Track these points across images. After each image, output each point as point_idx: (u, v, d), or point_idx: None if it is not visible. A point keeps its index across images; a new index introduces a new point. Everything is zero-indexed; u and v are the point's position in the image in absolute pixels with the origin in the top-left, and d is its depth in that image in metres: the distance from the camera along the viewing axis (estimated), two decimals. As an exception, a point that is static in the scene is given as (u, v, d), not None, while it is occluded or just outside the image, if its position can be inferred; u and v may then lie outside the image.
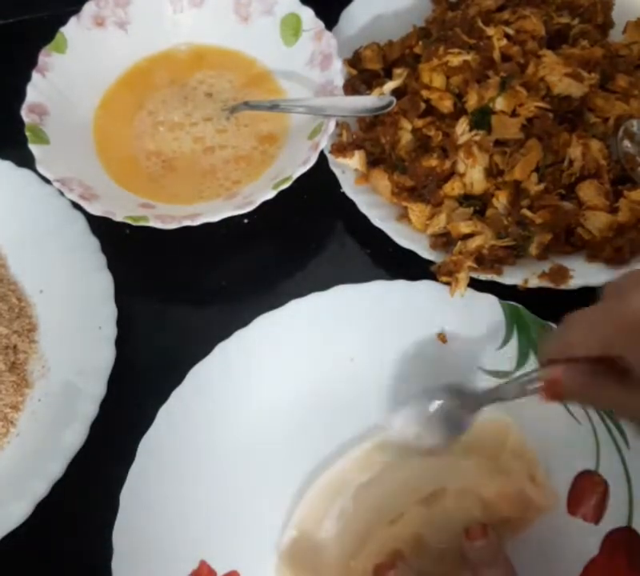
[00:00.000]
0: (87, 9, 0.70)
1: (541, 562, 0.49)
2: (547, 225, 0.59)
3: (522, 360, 0.55)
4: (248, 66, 0.72)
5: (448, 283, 0.57)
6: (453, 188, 0.61)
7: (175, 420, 0.54)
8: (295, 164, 0.61)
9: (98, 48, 0.70)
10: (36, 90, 0.66)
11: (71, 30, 0.69)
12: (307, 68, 0.68)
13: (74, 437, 0.53)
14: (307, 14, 0.68)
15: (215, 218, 0.59)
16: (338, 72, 0.66)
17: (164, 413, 0.54)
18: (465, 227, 0.59)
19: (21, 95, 0.65)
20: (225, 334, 0.56)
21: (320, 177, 0.63)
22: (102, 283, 0.59)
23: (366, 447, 0.53)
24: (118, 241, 0.63)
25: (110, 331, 0.57)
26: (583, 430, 0.52)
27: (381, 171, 0.63)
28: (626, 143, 0.64)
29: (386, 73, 0.70)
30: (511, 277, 0.58)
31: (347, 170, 0.65)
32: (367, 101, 0.64)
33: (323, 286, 0.58)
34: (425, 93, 0.64)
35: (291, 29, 0.69)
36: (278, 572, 0.50)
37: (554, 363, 0.43)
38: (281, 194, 0.60)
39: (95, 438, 0.54)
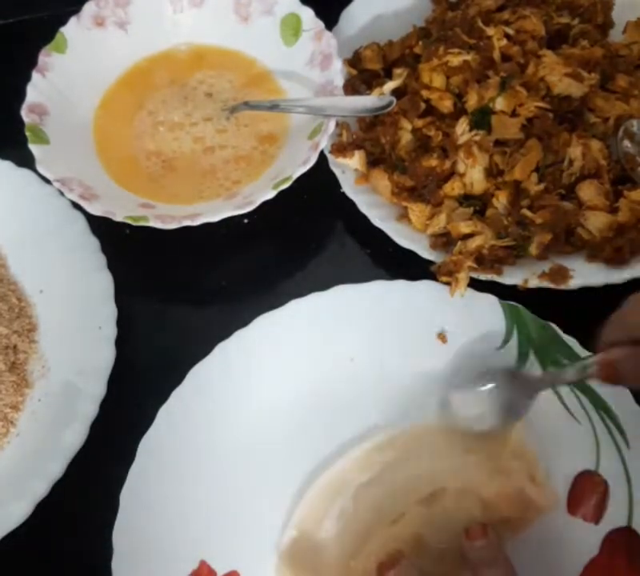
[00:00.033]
0: (87, 9, 0.70)
1: (541, 562, 0.49)
2: (547, 225, 0.59)
3: (522, 360, 0.55)
4: (248, 66, 0.72)
5: (448, 283, 0.57)
6: (453, 188, 0.61)
7: (175, 420, 0.54)
8: (295, 164, 0.61)
9: (98, 48, 0.70)
10: (36, 90, 0.66)
11: (71, 30, 0.69)
12: (307, 68, 0.68)
13: (74, 437, 0.53)
14: (307, 14, 0.68)
15: (215, 218, 0.59)
16: (337, 72, 0.66)
17: (164, 413, 0.54)
18: (465, 227, 0.59)
19: (21, 95, 0.65)
20: (225, 333, 0.56)
21: (320, 177, 0.63)
22: (101, 283, 0.59)
23: (366, 447, 0.53)
24: (118, 241, 0.63)
25: (110, 331, 0.57)
26: (583, 430, 0.52)
27: (381, 171, 0.63)
28: (626, 143, 0.64)
29: (386, 73, 0.70)
30: (511, 277, 0.58)
31: (347, 170, 0.65)
32: (367, 101, 0.64)
33: (323, 285, 0.58)
34: (425, 93, 0.64)
35: (291, 29, 0.69)
36: (277, 572, 0.50)
37: (616, 346, 0.43)
38: (281, 193, 0.60)
39: (95, 437, 0.54)
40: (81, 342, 0.57)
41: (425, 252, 0.60)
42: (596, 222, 0.59)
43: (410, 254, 0.60)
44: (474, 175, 0.61)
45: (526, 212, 0.59)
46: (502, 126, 0.62)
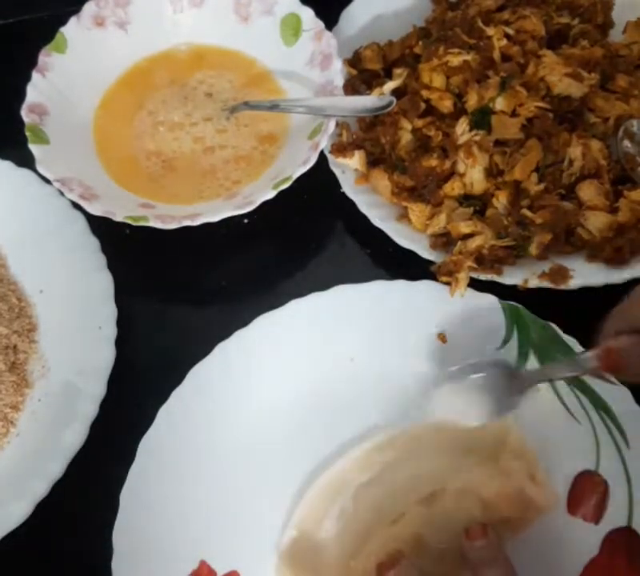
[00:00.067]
0: (87, 9, 0.70)
1: (541, 562, 0.49)
2: (547, 225, 0.59)
3: (522, 360, 0.55)
4: (248, 66, 0.72)
5: (448, 283, 0.57)
6: (453, 188, 0.61)
7: (175, 420, 0.54)
8: (295, 164, 0.61)
9: (98, 48, 0.70)
10: (36, 89, 0.66)
11: (71, 30, 0.69)
12: (307, 68, 0.68)
13: (74, 437, 0.53)
14: (307, 14, 0.68)
15: (215, 218, 0.59)
16: (337, 72, 0.66)
17: (164, 413, 0.54)
18: (465, 227, 0.59)
19: (21, 95, 0.65)
20: (225, 333, 0.56)
21: (320, 177, 0.63)
22: (101, 283, 0.59)
23: (366, 447, 0.53)
24: (118, 241, 0.63)
25: (110, 331, 0.57)
26: (583, 430, 0.52)
27: (381, 171, 0.63)
28: (626, 143, 0.64)
29: (386, 73, 0.70)
30: (511, 277, 0.58)
31: (347, 170, 0.65)
32: (367, 101, 0.64)
33: (323, 285, 0.58)
34: (425, 93, 0.64)
35: (291, 29, 0.69)
36: (277, 572, 0.50)
37: (620, 335, 0.43)
38: (281, 193, 0.60)
39: (95, 437, 0.54)
40: (81, 342, 0.58)
41: (425, 252, 0.60)
42: (596, 222, 0.59)
43: (410, 254, 0.60)
44: (474, 175, 0.61)
45: (526, 212, 0.59)
46: (501, 126, 0.62)
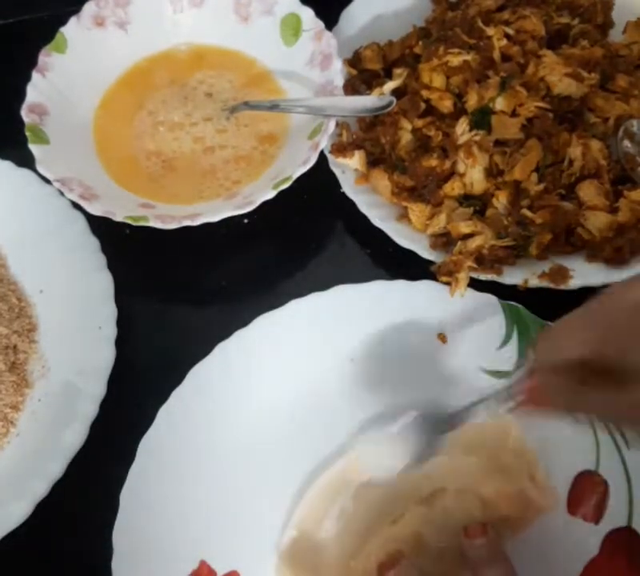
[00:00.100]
0: (87, 9, 0.70)
1: (541, 561, 0.49)
2: (547, 225, 0.59)
3: (521, 360, 0.55)
4: (248, 66, 0.72)
5: (448, 283, 0.57)
6: (453, 188, 0.61)
7: (175, 420, 0.54)
8: (295, 164, 0.61)
9: (98, 48, 0.70)
10: (36, 89, 0.66)
11: (71, 30, 0.69)
12: (307, 68, 0.68)
13: (74, 437, 0.53)
14: (307, 14, 0.68)
15: (215, 218, 0.59)
16: (337, 72, 0.66)
17: (164, 413, 0.54)
18: (465, 227, 0.59)
19: (21, 95, 0.65)
20: (225, 333, 0.56)
21: (320, 177, 0.63)
22: (101, 283, 0.59)
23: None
24: (118, 241, 0.63)
25: (110, 331, 0.57)
26: (583, 430, 0.52)
27: (381, 171, 0.63)
28: (626, 143, 0.64)
29: (386, 73, 0.70)
30: (511, 277, 0.58)
31: (347, 170, 0.65)
32: (367, 101, 0.64)
33: (323, 286, 0.58)
34: (425, 93, 0.64)
35: (291, 29, 0.69)
36: (277, 572, 0.50)
37: (539, 372, 0.42)
38: (281, 193, 0.60)
39: (95, 437, 0.54)
40: (81, 342, 0.57)
41: (425, 252, 0.60)
42: (596, 222, 0.59)
43: (410, 254, 0.60)
44: (474, 175, 0.61)
45: (526, 212, 0.59)
46: (502, 126, 0.62)
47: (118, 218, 0.59)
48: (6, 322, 0.59)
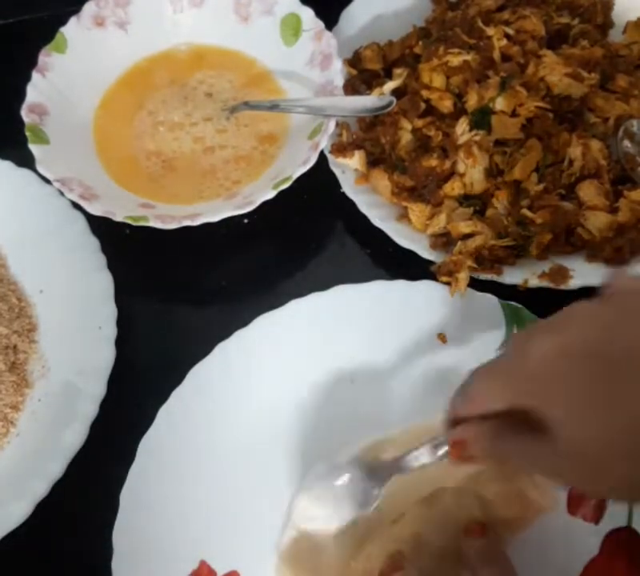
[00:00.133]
0: (87, 9, 0.70)
1: (541, 562, 0.49)
2: (547, 225, 0.59)
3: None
4: (248, 66, 0.72)
5: (448, 283, 0.57)
6: (453, 188, 0.61)
7: (175, 420, 0.54)
8: (295, 164, 0.61)
9: (98, 48, 0.70)
10: (36, 90, 0.66)
11: (71, 30, 0.69)
12: (307, 68, 0.68)
13: (74, 437, 0.53)
14: (307, 14, 0.68)
15: (215, 218, 0.59)
16: (337, 72, 0.66)
17: (164, 413, 0.54)
18: (465, 227, 0.59)
19: (21, 95, 0.65)
20: (225, 333, 0.56)
21: (320, 177, 0.63)
22: (101, 283, 0.59)
23: (366, 447, 0.53)
24: (118, 241, 0.63)
25: (110, 331, 0.57)
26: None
27: (381, 171, 0.63)
28: (626, 143, 0.64)
29: (386, 73, 0.70)
30: (511, 277, 0.58)
31: (347, 170, 0.65)
32: (367, 101, 0.64)
33: (323, 285, 0.58)
34: (425, 93, 0.64)
35: (291, 29, 0.69)
36: (277, 572, 0.50)
37: (462, 423, 0.42)
38: (281, 193, 0.60)
39: (95, 437, 0.54)
40: (81, 342, 0.57)
41: (425, 252, 0.60)
42: (596, 222, 0.59)
43: (410, 254, 0.60)
44: (474, 175, 0.61)
45: (526, 212, 0.59)
46: (502, 126, 0.62)
47: (118, 218, 0.59)
48: (6, 321, 0.59)
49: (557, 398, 0.36)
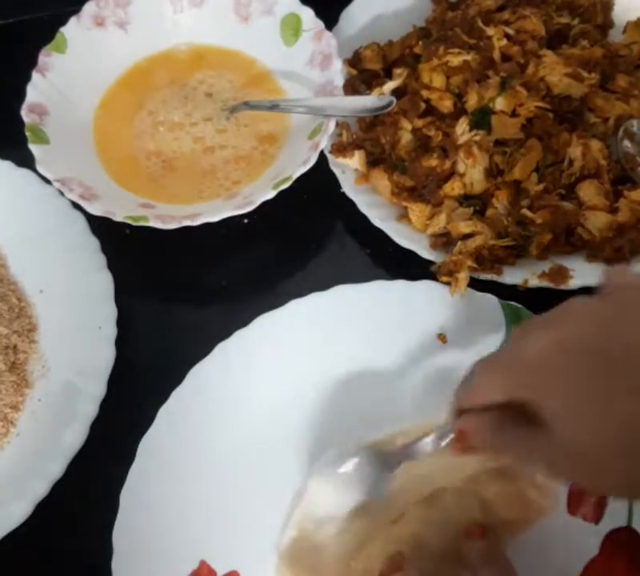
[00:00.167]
0: (87, 9, 0.70)
1: (541, 562, 0.49)
2: (547, 225, 0.59)
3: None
4: (248, 66, 0.72)
5: (448, 283, 0.57)
6: (453, 188, 0.61)
7: (175, 420, 0.54)
8: (295, 164, 0.61)
9: (98, 48, 0.70)
10: (36, 90, 0.66)
11: (71, 30, 0.69)
12: (307, 68, 0.68)
13: (74, 437, 0.53)
14: (307, 14, 0.68)
15: (215, 218, 0.59)
16: (337, 72, 0.66)
17: (164, 413, 0.54)
18: (465, 227, 0.59)
19: (21, 95, 0.65)
20: (225, 333, 0.56)
21: (320, 177, 0.63)
22: (102, 283, 0.59)
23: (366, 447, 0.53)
24: (118, 241, 0.63)
25: (110, 331, 0.57)
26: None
27: (381, 171, 0.63)
28: (626, 143, 0.64)
29: (386, 73, 0.70)
30: (511, 277, 0.58)
31: (347, 170, 0.65)
32: (367, 101, 0.64)
33: (323, 286, 0.58)
34: (425, 93, 0.64)
35: (291, 29, 0.69)
36: (277, 572, 0.50)
37: (466, 414, 0.42)
38: (281, 193, 0.60)
39: (95, 437, 0.54)
40: (81, 342, 0.57)
41: (425, 252, 0.60)
42: (596, 222, 0.59)
43: (410, 254, 0.60)
44: (474, 175, 0.61)
45: (526, 212, 0.59)
46: (502, 126, 0.62)
47: (118, 218, 0.59)
48: (6, 322, 0.59)
49: (554, 393, 0.37)
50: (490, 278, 0.58)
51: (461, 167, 0.61)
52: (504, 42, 0.65)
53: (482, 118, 0.62)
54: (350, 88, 0.69)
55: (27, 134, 0.63)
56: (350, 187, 0.63)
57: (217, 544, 0.51)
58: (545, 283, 0.58)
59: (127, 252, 0.64)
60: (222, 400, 0.55)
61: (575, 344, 0.36)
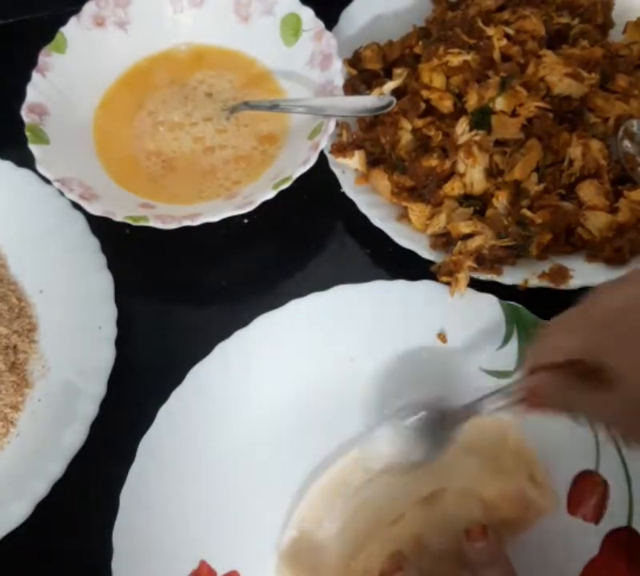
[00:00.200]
0: (87, 9, 0.70)
1: (541, 562, 0.49)
2: (547, 225, 0.59)
3: (521, 360, 0.55)
4: (248, 66, 0.72)
5: (448, 283, 0.57)
6: (453, 188, 0.61)
7: (175, 420, 0.54)
8: (295, 164, 0.61)
9: (98, 48, 0.70)
10: (36, 90, 0.66)
11: (71, 30, 0.69)
12: (307, 68, 0.68)
13: (74, 437, 0.53)
14: (307, 14, 0.68)
15: (215, 218, 0.59)
16: (337, 72, 0.66)
17: (164, 413, 0.54)
18: (465, 227, 0.59)
19: (21, 95, 0.65)
20: (225, 333, 0.56)
21: (320, 177, 0.63)
22: (102, 283, 0.59)
23: (366, 447, 0.53)
24: (118, 241, 0.63)
25: (110, 331, 0.57)
26: (583, 430, 0.52)
27: (381, 171, 0.63)
28: (626, 143, 0.64)
29: (386, 73, 0.70)
30: (511, 277, 0.58)
31: (347, 170, 0.65)
32: (367, 101, 0.64)
33: (323, 286, 0.58)
34: (425, 93, 0.64)
35: (291, 29, 0.69)
36: (277, 572, 0.50)
37: (537, 372, 0.43)
38: (281, 193, 0.60)
39: (95, 437, 0.54)
40: (81, 342, 0.58)
41: (425, 252, 0.60)
42: (596, 222, 0.59)
43: (410, 254, 0.60)
44: (474, 175, 0.61)
45: (526, 212, 0.59)
46: (502, 126, 0.62)
47: (118, 218, 0.59)
48: (6, 322, 0.59)
49: (625, 351, 0.37)
50: (490, 277, 0.58)
51: (461, 167, 0.61)
52: (504, 42, 0.65)
53: (482, 118, 0.62)
54: (350, 88, 0.69)
55: (27, 134, 0.63)
56: (349, 187, 0.63)
57: (217, 544, 0.51)
58: (545, 283, 0.58)
59: (127, 252, 0.64)
60: (222, 400, 0.55)
61: None
